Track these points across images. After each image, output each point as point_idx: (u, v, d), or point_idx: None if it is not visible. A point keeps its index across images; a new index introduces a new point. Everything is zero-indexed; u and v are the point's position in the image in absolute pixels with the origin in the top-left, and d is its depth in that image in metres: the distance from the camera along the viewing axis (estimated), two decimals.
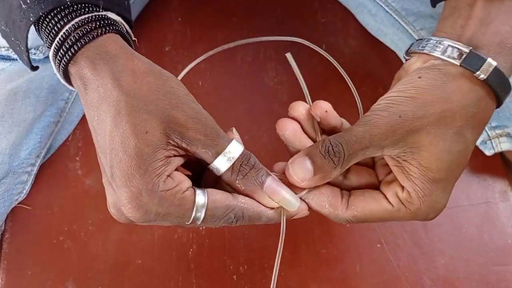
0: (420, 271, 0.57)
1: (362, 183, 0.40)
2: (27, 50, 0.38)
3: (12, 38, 0.39)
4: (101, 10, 0.37)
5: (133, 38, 0.41)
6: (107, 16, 0.37)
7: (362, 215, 0.37)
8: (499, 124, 0.58)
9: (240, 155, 0.35)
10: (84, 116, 0.64)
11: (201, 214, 0.34)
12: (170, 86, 0.35)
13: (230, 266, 0.57)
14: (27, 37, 0.37)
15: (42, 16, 0.36)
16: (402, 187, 0.37)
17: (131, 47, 0.39)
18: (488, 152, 0.60)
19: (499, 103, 0.39)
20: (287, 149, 0.41)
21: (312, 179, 0.36)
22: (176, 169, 0.35)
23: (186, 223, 0.35)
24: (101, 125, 0.34)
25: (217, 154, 0.35)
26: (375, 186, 0.40)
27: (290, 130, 0.40)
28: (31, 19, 0.36)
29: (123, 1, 0.40)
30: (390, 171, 0.39)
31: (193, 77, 0.65)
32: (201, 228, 0.58)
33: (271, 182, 0.36)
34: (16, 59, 0.55)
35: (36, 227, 0.58)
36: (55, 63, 0.37)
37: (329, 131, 0.41)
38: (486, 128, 0.59)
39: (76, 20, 0.35)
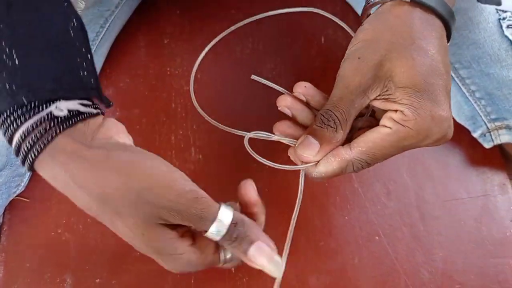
0: (418, 263, 0.57)
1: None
2: None
3: None
4: (47, 106, 0.35)
5: (103, 111, 0.40)
6: (54, 115, 0.35)
7: (366, 148, 0.39)
8: (498, 117, 0.58)
9: (229, 227, 0.37)
10: None
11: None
12: (138, 180, 0.35)
13: None
14: None
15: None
16: (395, 111, 0.38)
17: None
18: (487, 145, 0.60)
19: (444, 20, 0.42)
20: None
21: (322, 149, 0.39)
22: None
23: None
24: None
25: (210, 224, 0.36)
26: None
27: (287, 127, 0.43)
28: None
29: (89, 80, 0.38)
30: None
31: (191, 69, 0.65)
32: None
33: (253, 252, 0.38)
34: None
35: (34, 220, 0.58)
36: (22, 165, 0.36)
37: (318, 108, 0.43)
38: (485, 120, 0.59)
39: (26, 125, 0.34)
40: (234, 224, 0.37)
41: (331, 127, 0.38)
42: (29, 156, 0.34)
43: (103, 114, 0.39)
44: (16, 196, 0.59)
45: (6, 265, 0.56)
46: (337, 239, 0.58)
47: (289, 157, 0.43)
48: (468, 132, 0.62)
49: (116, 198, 0.35)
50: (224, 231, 0.37)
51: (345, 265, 0.57)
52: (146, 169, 0.36)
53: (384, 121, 0.39)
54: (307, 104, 0.44)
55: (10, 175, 0.56)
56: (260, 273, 0.56)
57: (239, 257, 0.39)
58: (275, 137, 0.42)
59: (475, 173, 0.62)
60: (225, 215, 0.37)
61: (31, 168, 0.36)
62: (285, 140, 0.42)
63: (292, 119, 0.44)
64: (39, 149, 0.34)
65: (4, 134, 0.35)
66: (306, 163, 0.41)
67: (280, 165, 0.42)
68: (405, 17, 0.41)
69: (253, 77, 0.44)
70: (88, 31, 0.61)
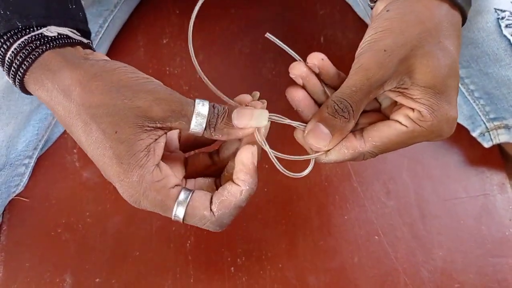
0: (418, 263, 0.57)
1: (372, 121, 0.41)
2: None
3: None
4: (38, 29, 0.37)
5: (90, 45, 0.42)
6: (44, 34, 0.37)
7: (381, 144, 0.38)
8: (497, 116, 0.58)
9: (208, 111, 0.37)
10: None
11: (179, 217, 0.37)
12: (119, 80, 0.36)
13: (228, 258, 0.57)
14: None
15: None
16: (412, 109, 0.38)
17: (93, 50, 0.41)
18: (486, 144, 0.60)
19: (464, 15, 0.41)
20: (299, 115, 0.42)
21: (333, 139, 0.38)
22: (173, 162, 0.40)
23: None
24: (77, 138, 0.37)
25: (189, 120, 0.36)
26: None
27: (300, 97, 0.41)
28: None
29: (77, 13, 0.41)
30: (394, 102, 0.41)
31: (190, 69, 0.65)
32: None
33: (236, 113, 0.37)
34: None
35: (33, 220, 0.58)
36: (14, 85, 0.38)
37: (330, 84, 0.42)
38: (484, 120, 0.59)
39: (17, 43, 0.37)
40: (212, 106, 0.37)
41: (345, 118, 0.37)
42: (19, 70, 0.36)
43: (93, 50, 0.41)
44: (15, 196, 0.59)
45: (6, 264, 0.56)
46: (336, 239, 0.58)
47: (294, 147, 0.42)
48: (467, 131, 0.62)
49: (96, 97, 0.35)
50: (206, 111, 0.36)
51: (344, 264, 0.57)
52: (133, 78, 0.37)
53: (399, 117, 0.39)
54: (318, 77, 0.42)
55: (9, 174, 0.56)
56: (259, 272, 0.57)
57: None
58: (287, 121, 0.40)
59: (475, 172, 0.62)
60: (202, 104, 0.37)
61: (22, 85, 0.37)
62: (295, 124, 0.40)
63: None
64: (28, 61, 0.36)
65: None
66: (314, 150, 0.40)
67: (292, 156, 0.40)
68: (434, 10, 0.39)
69: (268, 35, 0.42)
70: None
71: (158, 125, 0.36)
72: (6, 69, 0.37)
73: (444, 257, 0.57)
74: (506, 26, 0.57)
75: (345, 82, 0.38)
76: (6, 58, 0.37)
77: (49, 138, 0.61)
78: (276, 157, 0.39)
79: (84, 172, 0.60)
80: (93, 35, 0.62)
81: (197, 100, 0.37)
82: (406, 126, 0.38)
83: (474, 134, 0.61)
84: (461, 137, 0.62)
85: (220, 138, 0.38)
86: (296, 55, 0.42)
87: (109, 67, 0.37)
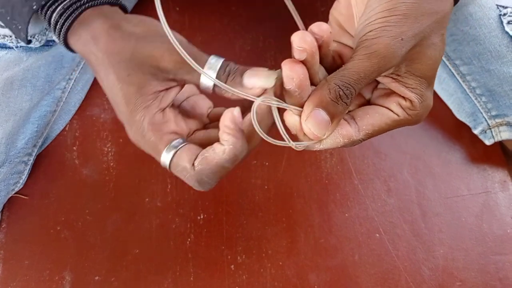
0: (419, 261, 0.57)
1: (357, 104, 0.41)
2: (27, 31, 0.43)
3: (8, 18, 0.43)
4: None
5: (122, 5, 0.45)
6: None
7: (372, 132, 0.38)
8: (499, 113, 0.58)
9: (220, 66, 0.38)
10: (81, 106, 0.63)
11: (166, 164, 0.38)
12: (142, 30, 0.39)
13: (228, 255, 0.56)
14: (29, 22, 0.42)
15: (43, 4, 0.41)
16: (403, 98, 0.37)
17: (125, 11, 0.44)
18: (488, 142, 0.60)
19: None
20: (290, 95, 0.36)
21: (331, 127, 0.36)
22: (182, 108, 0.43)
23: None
24: (101, 83, 0.40)
25: (198, 78, 0.38)
26: (365, 104, 0.40)
27: (300, 75, 0.35)
28: (34, 7, 0.41)
29: None
30: (377, 86, 0.40)
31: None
32: (198, 217, 0.58)
33: (248, 73, 0.38)
34: (12, 48, 0.55)
35: (33, 217, 0.58)
36: (59, 41, 0.42)
37: (326, 60, 0.39)
38: (486, 117, 0.59)
39: (62, 5, 0.41)
40: (226, 63, 0.38)
41: (346, 104, 0.35)
42: (63, 28, 0.41)
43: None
44: (14, 194, 0.58)
45: (5, 262, 0.56)
46: (337, 236, 0.57)
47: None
48: (468, 129, 0.61)
49: (118, 45, 0.38)
50: (218, 65, 0.37)
51: (345, 262, 0.56)
52: (151, 28, 0.40)
53: (391, 105, 0.37)
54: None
55: (8, 172, 0.56)
56: (260, 270, 0.56)
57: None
58: (284, 105, 0.36)
59: (476, 170, 0.61)
60: (215, 60, 0.38)
61: (66, 42, 0.41)
62: (291, 107, 0.36)
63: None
64: (70, 19, 0.40)
65: (44, 15, 0.41)
66: (312, 137, 0.36)
67: (285, 143, 0.36)
68: (447, 0, 0.37)
69: None
70: None
71: (170, 76, 0.38)
72: (53, 28, 0.41)
73: (445, 255, 0.57)
74: (508, 22, 0.56)
75: (352, 65, 0.35)
76: (52, 19, 0.41)
77: (48, 135, 0.61)
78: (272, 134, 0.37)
79: (83, 169, 0.60)
80: None
81: (212, 55, 0.38)
82: (398, 115, 0.37)
83: (476, 132, 0.61)
84: (462, 135, 0.62)
85: (230, 96, 0.39)
86: (302, 24, 0.39)
87: (135, 19, 0.40)
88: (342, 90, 0.34)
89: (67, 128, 0.62)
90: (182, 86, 0.41)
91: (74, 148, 0.61)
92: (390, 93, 0.38)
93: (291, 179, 0.60)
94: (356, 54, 0.35)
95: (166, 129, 0.39)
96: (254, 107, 0.36)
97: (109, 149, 0.61)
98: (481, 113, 0.59)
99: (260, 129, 0.36)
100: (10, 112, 0.55)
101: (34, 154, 0.59)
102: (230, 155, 0.37)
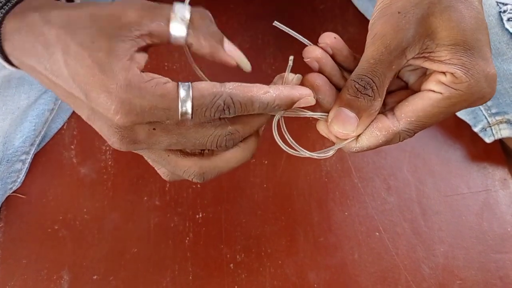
0: (419, 259, 0.56)
1: (402, 99, 0.38)
2: None
3: None
4: None
5: None
6: None
7: (416, 118, 0.35)
8: (499, 111, 0.58)
9: (191, 14, 0.34)
10: None
11: (188, 107, 0.32)
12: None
13: (227, 254, 0.56)
14: None
15: None
16: (443, 73, 0.35)
17: None
18: (488, 140, 0.60)
19: None
20: (319, 104, 0.37)
21: (361, 122, 0.35)
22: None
23: (176, 119, 0.33)
24: (55, 66, 0.33)
25: (168, 21, 0.33)
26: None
27: (319, 82, 0.37)
28: None
29: None
30: (422, 76, 0.38)
31: (189, 64, 0.64)
32: (197, 216, 0.58)
33: (229, 46, 0.36)
34: None
35: (30, 216, 0.58)
36: None
37: (346, 67, 0.39)
38: (486, 115, 0.59)
39: None
40: (199, 19, 0.34)
41: (369, 95, 0.34)
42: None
43: None
44: (12, 193, 0.58)
45: (3, 261, 0.56)
46: (336, 235, 0.57)
47: (314, 139, 0.39)
48: (468, 126, 0.61)
49: (73, 13, 0.33)
50: (187, 13, 0.33)
51: (345, 260, 0.56)
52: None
53: (431, 85, 0.35)
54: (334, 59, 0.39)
55: (6, 171, 0.55)
56: (259, 269, 0.56)
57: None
58: (308, 113, 0.36)
59: (476, 168, 0.61)
60: (182, 6, 0.34)
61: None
62: (317, 115, 0.37)
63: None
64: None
65: None
66: (342, 138, 0.36)
67: (317, 154, 0.37)
68: None
69: (276, 23, 0.39)
70: None
71: (136, 32, 0.32)
72: None
73: (445, 254, 0.57)
74: (508, 19, 0.56)
75: (362, 56, 0.35)
76: None
77: (46, 134, 0.60)
78: (292, 146, 0.37)
79: (81, 168, 0.60)
80: None
81: (176, 2, 0.34)
82: (441, 93, 0.34)
83: (476, 129, 0.60)
84: (462, 133, 0.62)
85: (205, 50, 0.34)
86: (306, 40, 0.39)
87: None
88: (357, 82, 0.34)
89: (65, 127, 0.62)
90: (150, 46, 0.34)
91: (72, 146, 0.61)
92: (429, 75, 0.36)
93: (290, 177, 0.59)
94: (365, 46, 0.35)
95: (162, 80, 0.32)
96: (275, 120, 0.36)
97: (107, 148, 0.60)
98: (481, 110, 0.59)
99: (281, 142, 0.36)
100: (8, 111, 0.54)
101: (31, 152, 0.59)
102: (271, 98, 0.34)
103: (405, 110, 0.35)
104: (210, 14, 0.35)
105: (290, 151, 0.37)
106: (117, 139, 0.34)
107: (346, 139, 0.36)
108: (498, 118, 0.58)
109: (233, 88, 0.33)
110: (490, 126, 0.59)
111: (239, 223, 0.57)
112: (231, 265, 0.56)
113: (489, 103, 0.58)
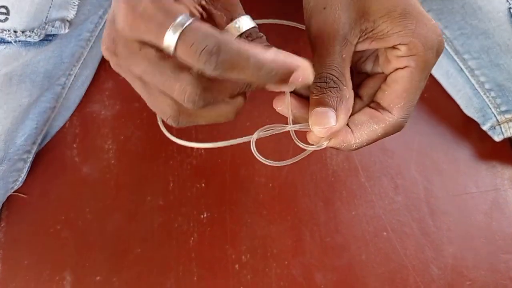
0: (427, 259, 0.55)
1: (372, 89, 0.38)
2: None
3: None
4: None
5: None
6: None
7: (405, 101, 0.36)
8: (509, 109, 0.57)
9: (249, 28, 0.33)
10: (81, 102, 0.62)
11: (172, 45, 0.28)
12: None
13: (232, 255, 0.55)
14: None
15: None
16: (395, 48, 0.35)
17: None
18: (497, 138, 0.59)
19: None
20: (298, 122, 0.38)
21: (339, 112, 0.35)
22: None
23: (159, 44, 0.29)
24: None
25: (230, 21, 0.33)
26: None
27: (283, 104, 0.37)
28: None
29: None
30: (374, 59, 0.39)
31: None
32: (202, 216, 0.57)
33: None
34: (11, 42, 0.54)
35: (32, 216, 0.57)
36: None
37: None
38: (495, 112, 0.58)
39: None
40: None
41: (333, 87, 0.34)
42: None
43: None
44: (13, 192, 0.57)
45: (4, 262, 0.55)
46: (343, 235, 0.56)
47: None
48: (477, 125, 0.60)
49: None
50: (247, 27, 0.33)
51: (352, 261, 0.55)
52: None
53: (394, 64, 0.35)
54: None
55: (7, 170, 0.55)
56: (265, 270, 0.55)
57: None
58: (288, 127, 0.36)
59: (485, 167, 0.60)
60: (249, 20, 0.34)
61: None
62: (298, 127, 0.37)
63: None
64: None
65: None
66: (328, 136, 0.37)
67: (306, 146, 0.37)
68: None
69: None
70: (87, 22, 0.60)
71: (202, 1, 0.32)
72: None
73: (454, 254, 0.56)
74: None
75: (311, 60, 0.34)
76: None
77: (48, 132, 0.60)
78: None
79: (84, 167, 0.59)
80: (93, 26, 0.60)
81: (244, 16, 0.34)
82: (408, 66, 0.34)
83: (485, 128, 0.60)
84: (471, 131, 0.61)
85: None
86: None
87: None
88: (317, 81, 0.35)
89: (67, 125, 0.61)
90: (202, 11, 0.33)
91: (74, 145, 0.60)
92: (385, 57, 0.37)
93: (296, 177, 0.59)
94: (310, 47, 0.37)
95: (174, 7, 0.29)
96: (254, 139, 0.36)
97: (110, 147, 0.60)
98: (490, 108, 0.58)
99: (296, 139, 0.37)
100: (9, 109, 0.54)
101: (33, 151, 0.58)
102: (266, 60, 0.29)
103: (390, 99, 0.36)
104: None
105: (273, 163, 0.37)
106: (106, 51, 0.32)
107: (335, 138, 0.37)
108: (508, 116, 0.57)
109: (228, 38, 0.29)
110: (499, 124, 0.58)
111: (244, 223, 0.56)
112: (236, 265, 0.55)
113: (498, 100, 0.57)
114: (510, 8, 0.56)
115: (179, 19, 0.28)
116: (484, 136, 0.60)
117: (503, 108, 0.57)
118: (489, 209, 0.58)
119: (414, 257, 0.55)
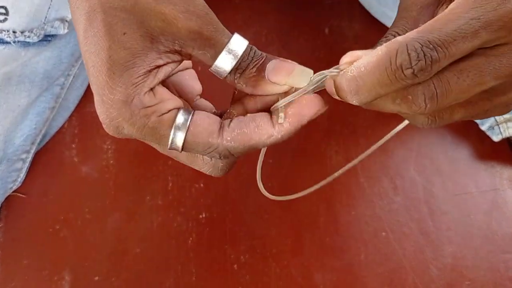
0: (426, 260, 0.55)
1: None
2: None
3: None
4: None
5: None
6: None
7: (429, 27, 0.26)
8: None
9: (244, 51, 0.30)
10: (80, 103, 0.62)
11: (179, 145, 0.30)
12: None
13: (231, 255, 0.55)
14: None
15: None
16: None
17: None
18: (496, 138, 0.59)
19: None
20: None
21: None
22: (166, 85, 0.32)
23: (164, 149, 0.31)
24: (77, 26, 0.30)
25: (217, 54, 0.29)
26: None
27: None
28: None
29: None
30: None
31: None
32: (200, 216, 0.57)
33: (273, 64, 0.30)
34: (10, 43, 0.54)
35: (31, 216, 0.57)
36: None
37: None
38: None
39: None
40: (250, 47, 0.30)
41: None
42: None
43: None
44: (12, 192, 0.57)
45: (3, 262, 0.55)
46: (343, 235, 0.56)
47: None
48: (476, 125, 0.60)
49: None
50: (241, 50, 0.29)
51: (351, 261, 0.55)
52: None
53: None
54: None
55: (6, 170, 0.55)
56: (263, 270, 0.55)
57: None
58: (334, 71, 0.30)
59: (484, 167, 0.60)
60: (238, 41, 0.30)
61: None
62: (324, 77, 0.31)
63: None
64: None
65: None
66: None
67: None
68: None
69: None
70: None
71: (176, 47, 0.29)
72: None
73: (453, 254, 0.56)
74: None
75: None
76: None
77: (47, 132, 0.60)
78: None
79: (83, 167, 0.59)
80: None
81: (236, 35, 0.30)
82: (453, 1, 0.27)
83: (483, 128, 0.60)
84: (469, 131, 0.61)
85: (244, 89, 0.31)
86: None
87: None
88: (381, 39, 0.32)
89: (66, 125, 0.61)
90: (182, 61, 0.31)
91: (73, 145, 0.60)
92: None
93: (295, 177, 0.59)
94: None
95: (162, 110, 0.29)
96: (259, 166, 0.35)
97: (109, 147, 0.60)
98: None
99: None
100: (8, 109, 0.54)
101: (32, 151, 0.58)
102: (272, 142, 0.30)
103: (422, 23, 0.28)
104: (262, 53, 0.31)
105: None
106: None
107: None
108: (506, 116, 0.57)
109: (231, 139, 0.30)
110: (498, 124, 0.58)
111: (244, 223, 0.57)
112: (235, 265, 0.55)
113: None
114: None
115: (171, 137, 0.29)
116: (482, 137, 0.60)
117: None
118: (488, 209, 0.58)
119: (413, 257, 0.56)
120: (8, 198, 0.57)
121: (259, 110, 0.32)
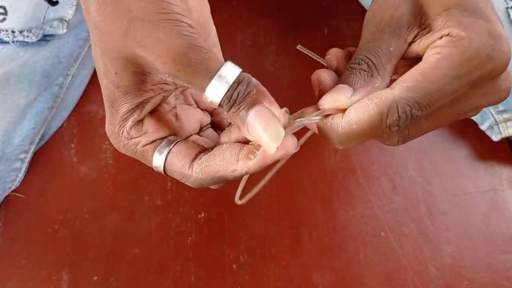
0: (425, 260, 0.55)
1: None
2: None
3: None
4: None
5: None
6: None
7: (415, 83, 0.29)
8: (507, 108, 0.57)
9: (236, 79, 0.29)
10: (79, 102, 0.62)
11: (162, 173, 0.34)
12: (134, 10, 0.29)
13: (230, 255, 0.55)
14: None
15: None
16: (439, 38, 0.31)
17: None
18: (495, 138, 0.59)
19: None
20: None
21: (356, 93, 0.31)
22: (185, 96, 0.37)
23: None
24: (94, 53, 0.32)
25: (202, 90, 0.29)
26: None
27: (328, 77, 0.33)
28: None
29: None
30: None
31: None
32: (199, 216, 0.57)
33: (252, 116, 0.29)
34: (9, 42, 0.54)
35: (30, 216, 0.57)
36: None
37: None
38: (493, 112, 0.58)
39: None
40: (241, 77, 0.29)
41: (364, 70, 0.31)
42: None
43: None
44: (11, 192, 0.57)
45: (1, 262, 0.55)
46: (341, 235, 0.56)
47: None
48: (475, 124, 0.60)
49: (107, 23, 0.30)
50: (224, 91, 0.28)
51: (350, 261, 0.55)
52: (149, 13, 0.30)
53: (429, 51, 0.31)
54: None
55: (5, 170, 0.55)
56: (263, 270, 0.55)
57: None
58: (313, 117, 0.31)
59: (483, 167, 0.60)
60: (231, 71, 0.29)
61: None
62: (314, 119, 0.31)
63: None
64: None
65: None
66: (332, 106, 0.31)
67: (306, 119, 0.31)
68: None
69: (299, 47, 0.37)
70: (85, 22, 0.60)
71: (168, 78, 0.30)
72: None
73: (452, 254, 0.56)
74: None
75: (359, 42, 0.33)
76: None
77: (45, 132, 0.60)
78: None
79: (81, 167, 0.59)
80: None
81: (228, 62, 0.29)
82: (439, 53, 0.29)
83: (483, 127, 0.59)
84: (469, 131, 0.61)
85: (236, 123, 0.30)
86: (323, 62, 0.36)
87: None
88: (352, 61, 0.33)
89: (64, 125, 0.61)
90: (177, 88, 0.33)
91: (72, 145, 0.60)
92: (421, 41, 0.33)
93: (294, 177, 0.59)
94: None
95: (143, 142, 0.33)
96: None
97: (108, 146, 0.60)
98: (488, 108, 0.58)
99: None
100: (7, 109, 0.54)
101: (31, 151, 0.58)
102: (238, 175, 0.32)
103: (402, 77, 0.30)
104: (252, 83, 0.30)
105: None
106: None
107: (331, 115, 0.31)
108: (506, 115, 0.57)
109: (199, 171, 0.32)
110: (497, 124, 0.58)
111: (242, 223, 0.56)
112: (234, 266, 0.55)
113: None
114: (508, 7, 0.56)
115: (153, 165, 0.34)
116: (482, 136, 0.60)
117: (501, 108, 0.57)
118: (488, 209, 0.58)
119: (412, 257, 0.55)
120: (6, 198, 0.57)
121: (242, 140, 0.33)
